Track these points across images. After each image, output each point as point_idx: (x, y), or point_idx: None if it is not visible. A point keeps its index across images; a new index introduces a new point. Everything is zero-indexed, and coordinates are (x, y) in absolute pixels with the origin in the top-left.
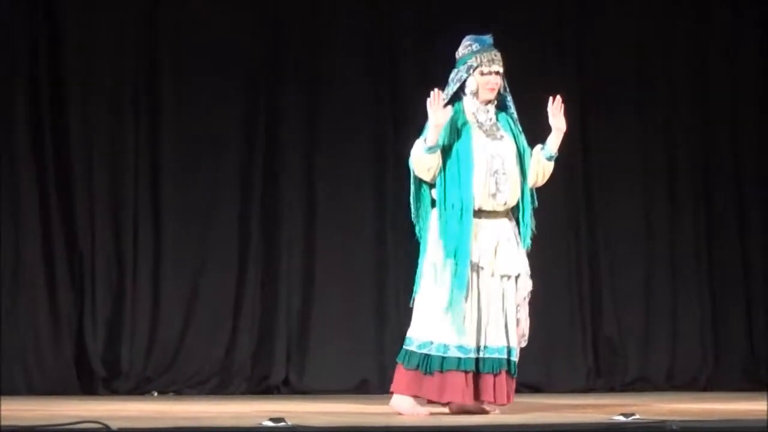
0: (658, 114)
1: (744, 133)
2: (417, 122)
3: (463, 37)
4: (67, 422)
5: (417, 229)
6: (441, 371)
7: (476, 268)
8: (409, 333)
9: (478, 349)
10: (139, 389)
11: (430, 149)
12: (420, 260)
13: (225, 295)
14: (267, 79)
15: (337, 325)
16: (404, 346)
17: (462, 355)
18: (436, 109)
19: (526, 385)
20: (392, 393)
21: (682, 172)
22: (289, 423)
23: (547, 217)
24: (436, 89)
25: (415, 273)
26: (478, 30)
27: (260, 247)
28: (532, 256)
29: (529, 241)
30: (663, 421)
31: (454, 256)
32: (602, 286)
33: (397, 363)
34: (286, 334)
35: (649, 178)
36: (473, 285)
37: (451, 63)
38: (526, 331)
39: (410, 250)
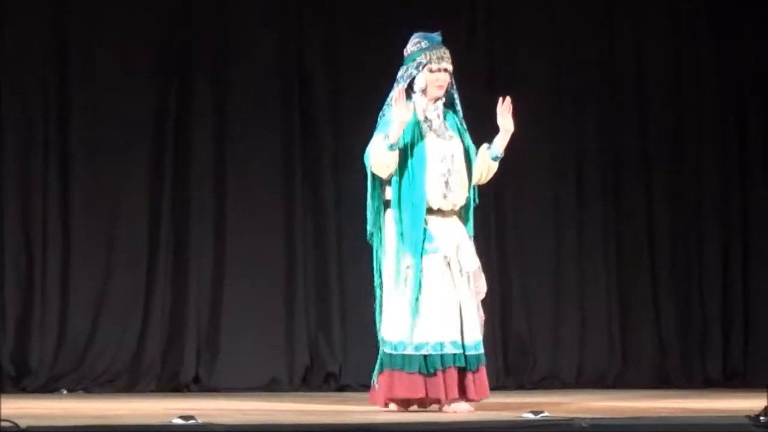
0: (567, 112)
1: (653, 130)
2: (326, 121)
3: (372, 38)
4: None
5: (368, 227)
6: (442, 369)
7: (448, 263)
8: (396, 338)
9: (463, 346)
10: (48, 387)
11: (392, 146)
12: (377, 263)
13: (134, 293)
14: (177, 77)
15: (247, 324)
16: (398, 352)
17: (457, 351)
18: (402, 105)
19: None
20: (384, 402)
21: (590, 170)
22: (199, 421)
23: None
24: (400, 86)
25: (367, 274)
26: (386, 31)
27: (170, 245)
28: None
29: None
30: (572, 419)
31: (412, 255)
32: (512, 284)
33: (388, 371)
34: (196, 332)
35: (558, 176)
36: (450, 280)
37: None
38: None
39: (320, 248)
